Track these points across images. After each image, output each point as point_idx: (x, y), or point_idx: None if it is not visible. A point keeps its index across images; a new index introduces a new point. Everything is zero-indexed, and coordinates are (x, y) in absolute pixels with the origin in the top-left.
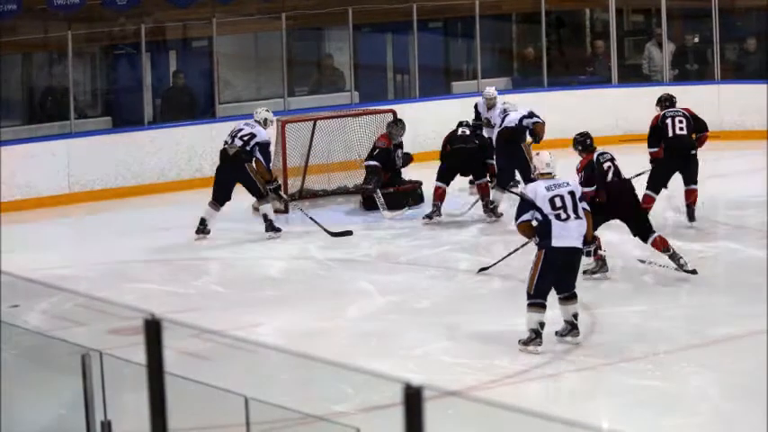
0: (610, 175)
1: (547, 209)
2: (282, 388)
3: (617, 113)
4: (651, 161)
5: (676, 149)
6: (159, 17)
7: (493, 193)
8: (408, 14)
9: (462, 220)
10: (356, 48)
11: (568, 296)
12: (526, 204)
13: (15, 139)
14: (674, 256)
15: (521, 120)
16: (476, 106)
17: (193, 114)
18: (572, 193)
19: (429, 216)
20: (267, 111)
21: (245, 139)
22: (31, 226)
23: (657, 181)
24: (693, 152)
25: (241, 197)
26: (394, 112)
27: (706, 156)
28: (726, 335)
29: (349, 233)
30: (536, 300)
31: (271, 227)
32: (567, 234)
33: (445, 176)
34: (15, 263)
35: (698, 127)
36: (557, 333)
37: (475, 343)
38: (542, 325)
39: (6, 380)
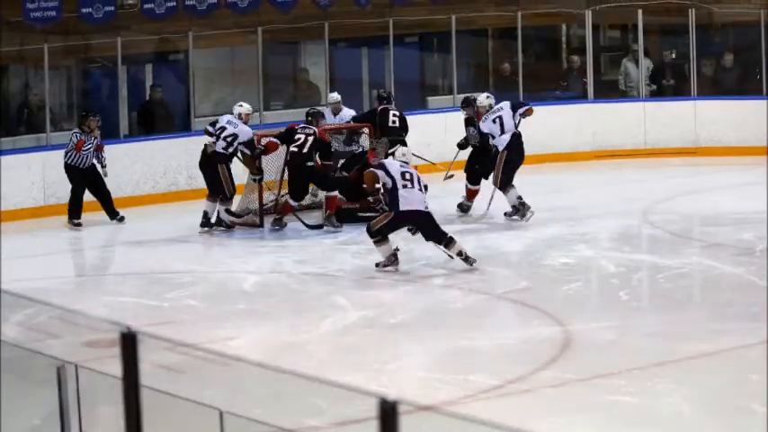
0: None
1: (398, 179)
2: (257, 401)
3: (593, 129)
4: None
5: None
6: (135, 30)
7: (509, 197)
8: (384, 29)
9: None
10: (332, 62)
11: (446, 243)
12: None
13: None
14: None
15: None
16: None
17: (169, 128)
18: (419, 178)
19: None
20: (241, 105)
21: (229, 140)
22: (5, 238)
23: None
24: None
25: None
26: (370, 127)
27: (682, 172)
28: (700, 351)
29: (320, 227)
30: (378, 236)
31: (207, 223)
32: (413, 199)
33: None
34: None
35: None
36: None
37: (450, 358)
38: (397, 249)
39: None
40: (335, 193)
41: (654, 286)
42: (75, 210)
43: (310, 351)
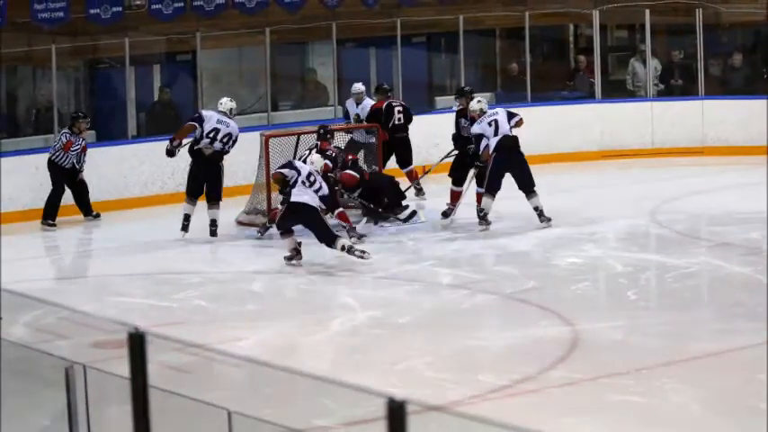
0: None
1: (303, 179)
2: (265, 402)
3: (600, 129)
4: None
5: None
6: (143, 31)
7: (484, 202)
8: (392, 29)
9: (445, 235)
10: (340, 62)
11: (329, 243)
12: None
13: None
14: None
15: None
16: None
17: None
18: (320, 186)
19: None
20: (231, 100)
21: (225, 141)
22: (14, 239)
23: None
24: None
25: (224, 212)
26: (378, 127)
27: (690, 171)
28: (708, 351)
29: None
30: (281, 230)
31: (215, 233)
32: (304, 194)
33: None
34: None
35: None
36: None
37: (458, 358)
38: (299, 244)
39: None
40: (341, 208)
41: (662, 286)
42: (51, 211)
43: (319, 351)
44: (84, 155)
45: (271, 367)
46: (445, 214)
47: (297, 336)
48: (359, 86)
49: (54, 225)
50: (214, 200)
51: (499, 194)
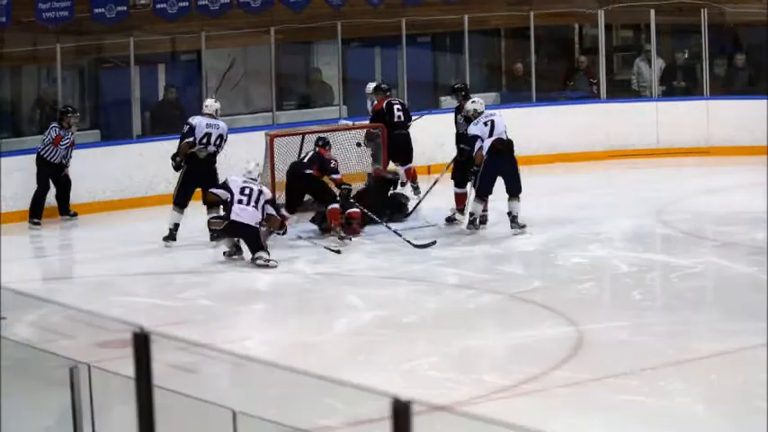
0: None
1: (237, 194)
2: (270, 402)
3: (606, 129)
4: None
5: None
6: (148, 31)
7: (473, 205)
8: (397, 29)
9: (451, 234)
10: (345, 62)
11: (252, 252)
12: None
13: (3, 152)
14: None
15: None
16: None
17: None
18: (260, 192)
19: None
20: (216, 101)
21: (218, 143)
22: (17, 238)
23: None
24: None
25: None
26: (382, 128)
27: (695, 171)
28: (713, 351)
29: (433, 243)
30: (214, 236)
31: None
32: (244, 215)
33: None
34: (3, 275)
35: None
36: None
37: (463, 358)
38: (238, 240)
39: None
40: (336, 205)
41: (667, 286)
42: (37, 210)
43: (324, 351)
44: (72, 150)
45: (275, 367)
46: (450, 220)
47: (302, 335)
48: (371, 86)
49: (39, 224)
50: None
51: (501, 194)
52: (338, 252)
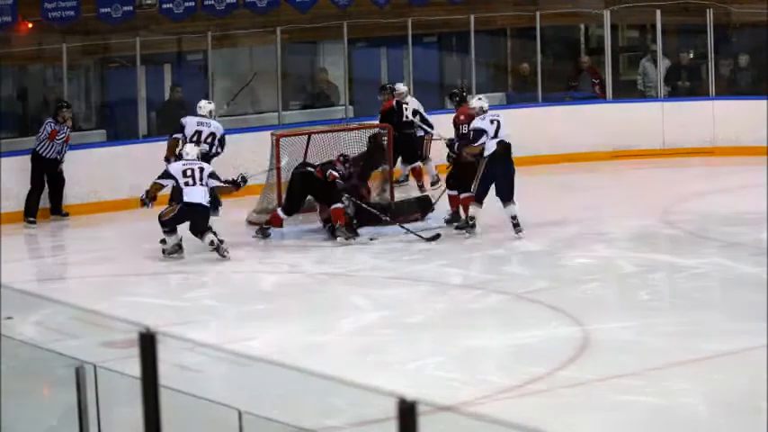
0: None
1: (180, 178)
2: (275, 402)
3: (612, 129)
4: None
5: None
6: (154, 30)
7: (472, 209)
8: (403, 29)
9: (456, 235)
10: (351, 62)
11: (200, 234)
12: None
13: (9, 152)
14: None
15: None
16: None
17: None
18: (201, 169)
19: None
20: (210, 102)
21: (209, 141)
22: (24, 238)
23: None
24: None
25: (234, 211)
26: (389, 128)
27: (700, 172)
28: (718, 351)
29: (438, 236)
30: (167, 227)
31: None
32: (194, 194)
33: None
34: (9, 274)
35: None
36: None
37: (468, 358)
38: (181, 238)
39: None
40: (339, 204)
41: (672, 286)
42: (33, 208)
43: (329, 351)
44: (66, 145)
45: (281, 367)
46: (449, 221)
47: (307, 335)
48: (401, 86)
49: (34, 222)
50: (214, 206)
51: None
52: (435, 238)
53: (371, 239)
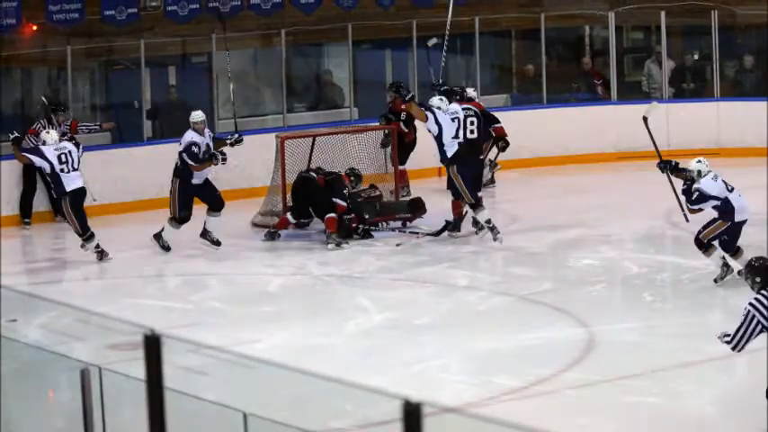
0: None
1: (56, 164)
2: (281, 404)
3: (617, 130)
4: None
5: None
6: (158, 33)
7: (479, 213)
8: (408, 31)
9: (461, 237)
10: (355, 64)
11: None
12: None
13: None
14: None
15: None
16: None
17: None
18: (72, 151)
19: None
20: (201, 114)
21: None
22: (28, 240)
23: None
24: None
25: (239, 214)
26: (394, 129)
27: None
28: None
29: (442, 231)
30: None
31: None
32: (73, 177)
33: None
34: (11, 277)
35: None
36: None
37: (473, 359)
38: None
39: (5, 395)
40: (333, 214)
41: (677, 287)
42: (27, 210)
43: (334, 353)
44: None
45: (286, 369)
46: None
47: (312, 337)
48: (471, 91)
49: (29, 223)
50: (219, 207)
51: (512, 196)
52: (442, 231)
53: (398, 245)
